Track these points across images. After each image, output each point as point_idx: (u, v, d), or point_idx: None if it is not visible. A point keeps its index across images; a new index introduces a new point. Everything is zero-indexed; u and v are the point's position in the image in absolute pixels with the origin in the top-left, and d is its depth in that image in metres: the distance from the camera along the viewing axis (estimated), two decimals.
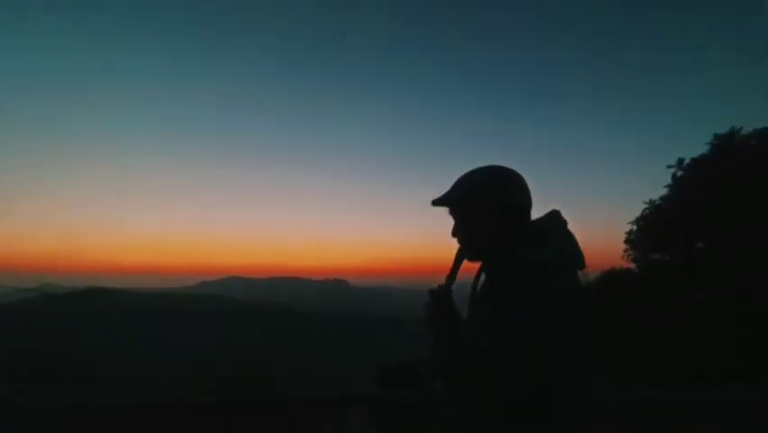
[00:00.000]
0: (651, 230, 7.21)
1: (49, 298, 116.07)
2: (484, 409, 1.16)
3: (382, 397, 2.66)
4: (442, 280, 1.35)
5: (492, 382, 1.11)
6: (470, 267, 1.34)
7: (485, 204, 1.25)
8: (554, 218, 1.26)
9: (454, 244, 1.38)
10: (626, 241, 7.56)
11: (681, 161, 7.01)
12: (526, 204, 1.26)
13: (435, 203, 1.32)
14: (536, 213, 1.29)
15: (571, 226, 1.29)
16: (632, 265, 7.59)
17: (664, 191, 7.22)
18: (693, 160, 6.90)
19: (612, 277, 7.44)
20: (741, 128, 6.69)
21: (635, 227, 7.47)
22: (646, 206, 7.38)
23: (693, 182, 6.74)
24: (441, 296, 1.32)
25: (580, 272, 1.21)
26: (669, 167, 7.09)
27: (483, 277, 1.30)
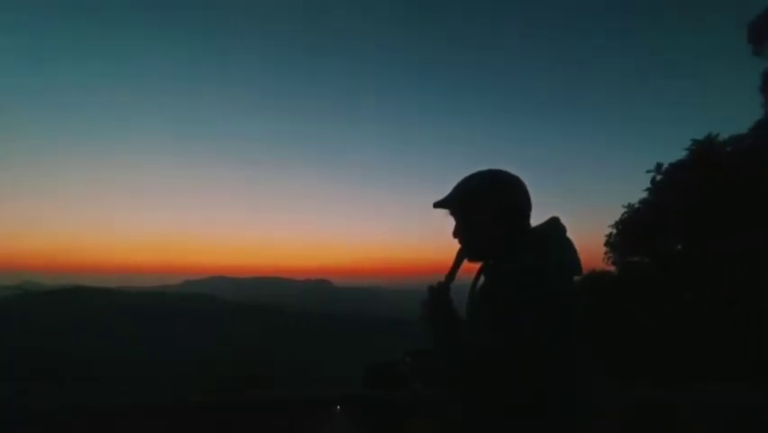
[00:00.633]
0: (630, 234, 7.33)
1: (28, 296, 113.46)
2: (484, 409, 1.17)
3: (366, 397, 2.68)
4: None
5: (492, 382, 1.12)
6: (467, 268, 1.37)
7: (486, 206, 1.27)
8: (554, 225, 1.29)
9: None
10: (606, 244, 7.68)
11: (659, 165, 7.14)
12: (526, 208, 1.29)
13: (437, 205, 1.35)
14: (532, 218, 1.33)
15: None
16: (612, 268, 7.71)
17: (644, 195, 7.35)
18: (672, 165, 7.03)
19: (595, 278, 7.55)
20: (718, 134, 6.84)
21: (614, 231, 7.59)
22: (626, 210, 7.50)
23: (671, 187, 6.87)
24: (440, 293, 1.33)
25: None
26: (648, 172, 7.22)
27: (483, 278, 1.32)
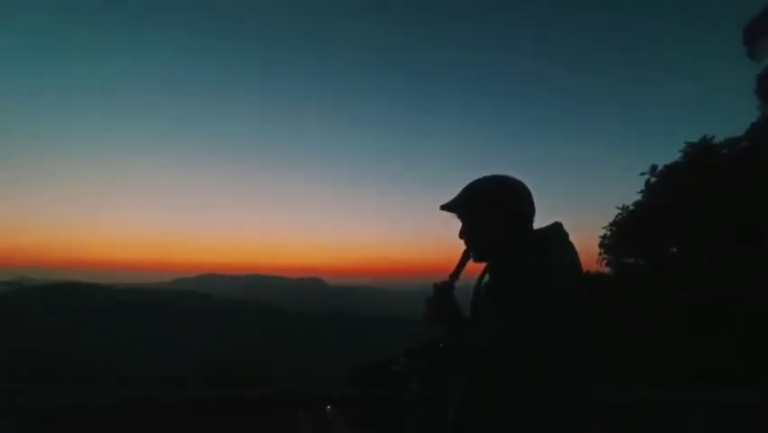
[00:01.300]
0: (624, 235, 7.36)
1: (24, 291, 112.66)
2: (484, 409, 1.19)
3: (360, 396, 2.66)
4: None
5: (493, 382, 1.13)
6: (469, 268, 1.45)
7: (491, 209, 1.34)
8: (557, 228, 1.35)
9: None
10: (601, 245, 7.71)
11: (654, 167, 7.17)
12: (530, 211, 1.36)
13: (444, 207, 1.42)
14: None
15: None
16: (606, 269, 7.75)
17: (638, 197, 7.38)
18: (666, 167, 7.06)
19: (590, 279, 7.58)
20: (713, 137, 6.88)
21: (608, 232, 7.62)
22: (620, 211, 7.53)
23: (666, 190, 6.90)
24: (445, 291, 1.40)
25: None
26: (642, 174, 7.25)
27: (487, 276, 1.37)
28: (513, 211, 1.34)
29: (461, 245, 1.42)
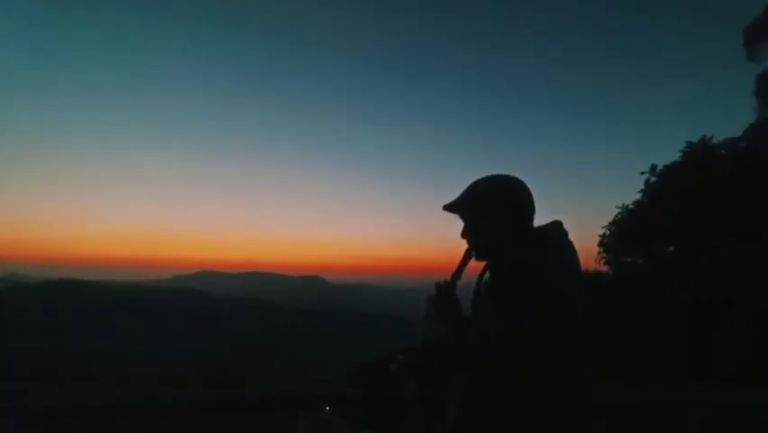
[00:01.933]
0: (624, 234, 7.37)
1: (18, 289, 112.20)
2: (484, 409, 1.19)
3: (358, 396, 2.66)
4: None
5: (493, 382, 1.14)
6: (470, 268, 1.47)
7: (493, 209, 1.36)
8: (556, 227, 1.37)
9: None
10: (600, 244, 7.72)
11: (654, 167, 7.18)
12: (530, 211, 1.39)
13: (447, 208, 1.44)
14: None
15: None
16: (605, 268, 7.76)
17: (638, 197, 7.39)
18: (666, 167, 7.07)
19: (589, 279, 7.59)
20: (712, 137, 6.89)
21: (608, 231, 7.63)
22: (619, 210, 7.54)
23: (665, 189, 6.91)
24: (447, 291, 1.41)
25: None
26: (642, 173, 7.26)
27: (487, 276, 1.39)
28: (514, 211, 1.36)
29: (462, 244, 1.43)
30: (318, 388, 2.40)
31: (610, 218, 7.68)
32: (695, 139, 6.93)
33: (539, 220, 1.40)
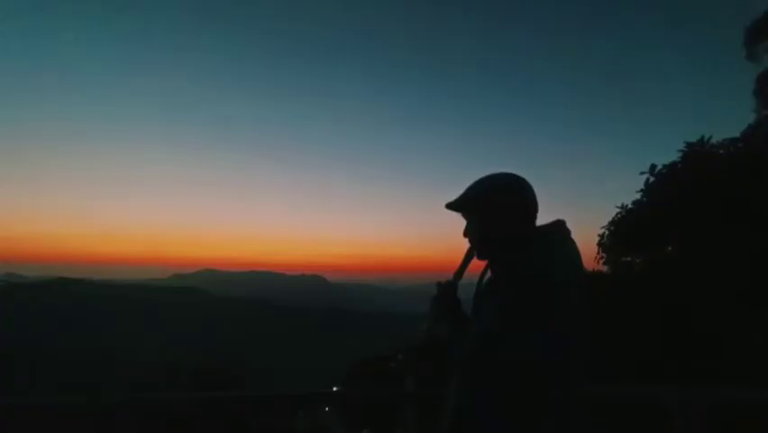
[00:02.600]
0: (623, 234, 7.36)
1: (13, 288, 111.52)
2: (484, 409, 1.20)
3: (357, 395, 2.67)
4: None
5: (492, 381, 1.15)
6: (474, 267, 1.47)
7: (496, 207, 1.36)
8: (559, 226, 1.37)
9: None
10: (599, 244, 7.71)
11: (653, 167, 7.17)
12: (533, 209, 1.38)
13: (449, 206, 1.43)
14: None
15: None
16: (604, 268, 7.76)
17: (637, 197, 7.38)
18: (665, 167, 7.06)
19: (588, 278, 7.59)
20: (711, 137, 6.89)
21: (607, 231, 7.62)
22: (619, 210, 7.53)
23: (664, 189, 6.90)
24: (448, 290, 1.42)
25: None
26: (641, 173, 7.25)
27: (488, 275, 1.41)
28: (518, 209, 1.36)
29: (464, 243, 1.43)
30: (318, 388, 2.40)
31: (609, 218, 7.67)
32: (694, 139, 6.93)
33: (539, 221, 1.40)
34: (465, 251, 1.43)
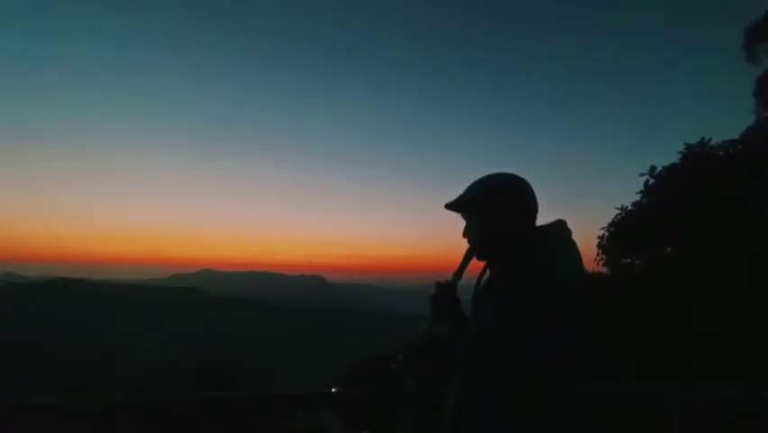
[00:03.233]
0: (622, 236, 7.36)
1: (12, 289, 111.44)
2: (484, 409, 1.20)
3: (357, 395, 2.67)
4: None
5: (492, 382, 1.15)
6: (474, 267, 1.46)
7: (495, 208, 1.35)
8: (559, 226, 1.37)
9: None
10: (599, 245, 7.72)
11: (653, 168, 7.18)
12: (533, 210, 1.37)
13: (449, 206, 1.42)
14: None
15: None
16: (603, 269, 7.77)
17: (637, 198, 7.39)
18: (665, 168, 7.07)
19: (588, 279, 7.59)
20: (711, 138, 6.90)
21: (607, 233, 7.63)
22: (619, 212, 7.54)
23: (664, 190, 6.91)
24: (447, 291, 1.42)
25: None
26: (641, 175, 7.26)
27: (487, 275, 1.41)
28: (518, 209, 1.36)
29: (463, 243, 1.43)
30: (318, 388, 2.40)
31: (609, 219, 7.68)
32: (694, 141, 6.94)
33: (539, 221, 1.40)
34: (464, 251, 1.44)
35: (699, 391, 2.54)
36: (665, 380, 5.33)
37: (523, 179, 1.39)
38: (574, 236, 1.34)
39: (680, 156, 6.97)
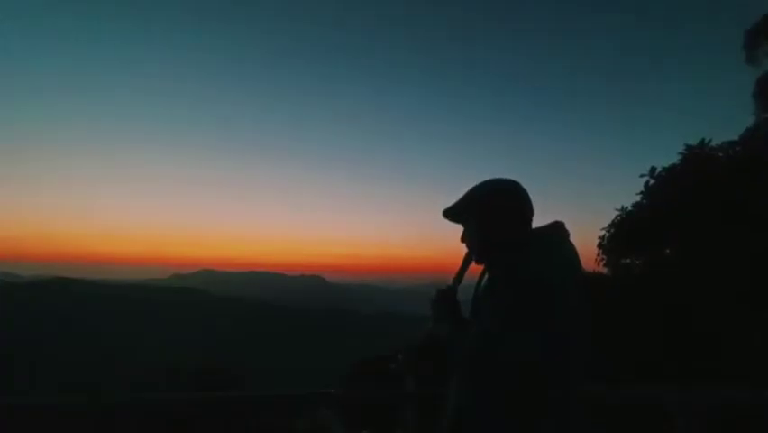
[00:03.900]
0: (623, 236, 7.37)
1: (9, 288, 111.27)
2: (484, 409, 1.21)
3: (357, 395, 2.67)
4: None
5: (492, 382, 1.16)
6: (473, 269, 1.48)
7: (493, 211, 1.37)
8: (557, 228, 1.38)
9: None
10: (599, 246, 7.73)
11: (653, 169, 7.19)
12: (529, 214, 1.39)
13: (447, 215, 1.45)
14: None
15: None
16: (603, 270, 7.78)
17: (637, 199, 7.40)
18: (665, 169, 7.08)
19: (588, 280, 7.59)
20: (710, 139, 6.91)
21: (607, 233, 7.64)
22: (619, 212, 7.55)
23: (664, 191, 6.92)
24: (447, 293, 1.44)
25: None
26: (641, 176, 7.27)
27: (486, 277, 1.41)
28: (515, 212, 1.37)
29: (462, 244, 1.45)
30: (318, 388, 2.40)
31: (609, 220, 7.69)
32: (694, 142, 6.96)
33: (538, 222, 1.42)
34: (464, 255, 1.45)
35: (699, 391, 2.54)
36: (665, 380, 5.33)
37: (517, 183, 1.41)
38: (574, 237, 1.35)
39: (680, 157, 6.99)
